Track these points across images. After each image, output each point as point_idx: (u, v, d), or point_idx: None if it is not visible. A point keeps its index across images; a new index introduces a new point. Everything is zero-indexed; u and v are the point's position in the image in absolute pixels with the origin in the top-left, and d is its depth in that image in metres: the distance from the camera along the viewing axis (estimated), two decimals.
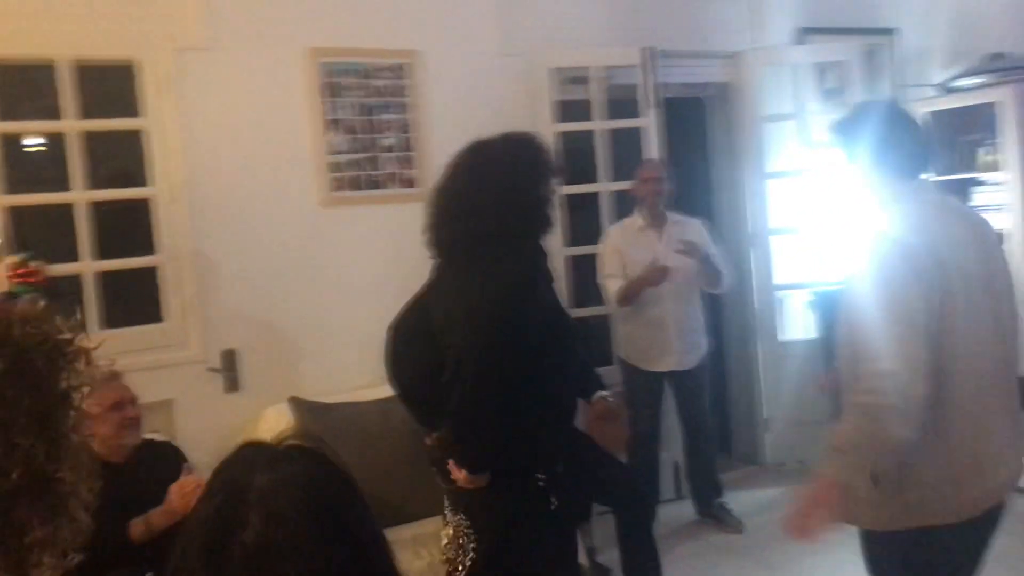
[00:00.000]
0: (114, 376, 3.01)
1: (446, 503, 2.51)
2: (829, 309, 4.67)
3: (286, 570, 0.79)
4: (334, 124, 4.09)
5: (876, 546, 2.21)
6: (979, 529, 2.11)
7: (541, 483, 2.28)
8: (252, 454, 0.90)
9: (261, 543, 0.82)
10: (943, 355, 2.02)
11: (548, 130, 4.55)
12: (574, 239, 4.66)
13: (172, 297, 3.81)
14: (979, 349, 2.10)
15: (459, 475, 2.33)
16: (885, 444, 1.99)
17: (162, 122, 3.77)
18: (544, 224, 2.44)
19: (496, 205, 2.33)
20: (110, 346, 3.69)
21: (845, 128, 2.29)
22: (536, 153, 2.47)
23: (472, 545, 2.34)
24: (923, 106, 5.38)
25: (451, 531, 2.42)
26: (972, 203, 5.02)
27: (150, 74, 3.74)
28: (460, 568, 2.37)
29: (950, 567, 2.16)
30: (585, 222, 4.70)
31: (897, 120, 2.28)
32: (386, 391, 4.01)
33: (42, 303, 1.15)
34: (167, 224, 3.79)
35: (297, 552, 0.80)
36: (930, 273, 2.03)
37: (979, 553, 2.18)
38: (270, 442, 0.90)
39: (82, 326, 1.15)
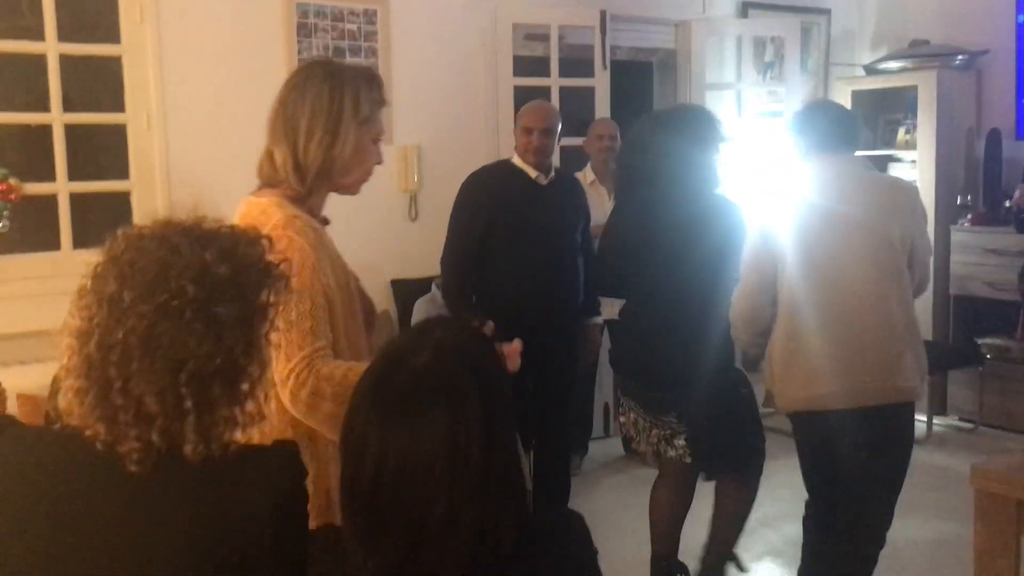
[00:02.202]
0: None
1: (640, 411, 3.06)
2: None
3: (438, 390, 1.11)
4: None
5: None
6: (840, 423, 2.64)
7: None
8: (442, 320, 1.18)
9: (426, 367, 1.14)
10: (805, 287, 2.67)
11: (506, 83, 4.78)
12: None
13: (143, 222, 3.93)
14: (845, 282, 2.67)
15: None
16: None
17: (139, 50, 3.86)
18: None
19: (682, 168, 2.95)
20: (82, 266, 3.79)
21: (793, 119, 2.99)
22: (711, 122, 3.06)
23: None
24: (850, 85, 5.78)
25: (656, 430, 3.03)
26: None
27: (130, 4, 3.82)
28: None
29: (821, 449, 2.76)
30: None
31: (824, 111, 2.95)
32: None
33: (256, 232, 1.38)
34: (141, 151, 3.90)
35: (450, 379, 1.12)
36: (800, 226, 2.71)
37: (846, 444, 2.69)
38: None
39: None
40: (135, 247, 1.30)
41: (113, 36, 3.84)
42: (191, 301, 1.24)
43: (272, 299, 1.32)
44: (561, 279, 3.70)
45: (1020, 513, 2.11)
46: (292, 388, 1.67)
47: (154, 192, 3.92)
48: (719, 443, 2.95)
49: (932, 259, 2.87)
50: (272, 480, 1.24)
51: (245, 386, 1.28)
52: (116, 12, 3.81)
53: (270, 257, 1.34)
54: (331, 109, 1.81)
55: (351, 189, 1.96)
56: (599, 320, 4.12)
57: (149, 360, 1.23)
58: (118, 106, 3.88)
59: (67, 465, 1.26)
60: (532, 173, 3.66)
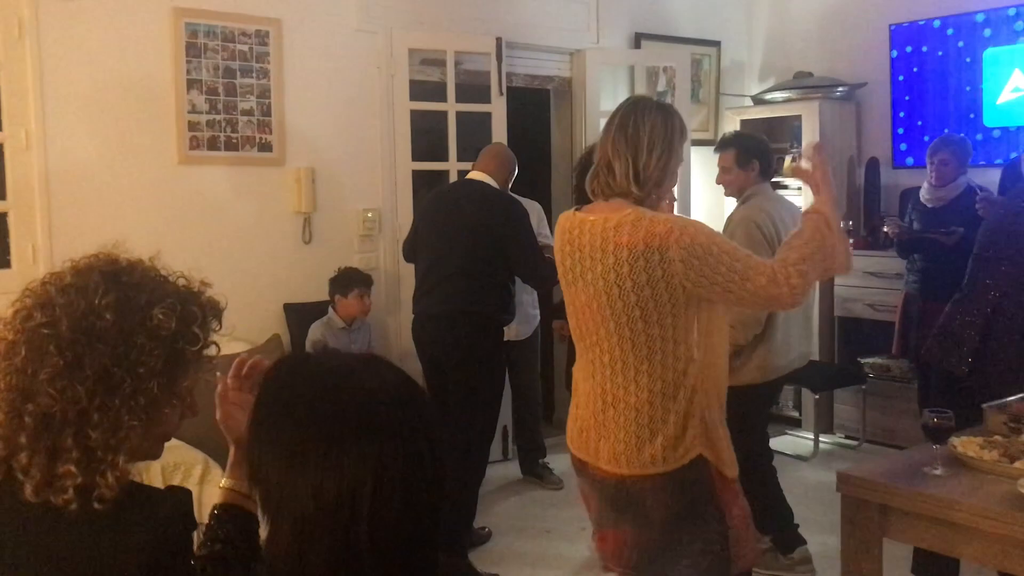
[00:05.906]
0: None
1: None
2: None
3: (398, 417, 1.06)
4: (195, 84, 4.16)
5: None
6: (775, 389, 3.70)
7: None
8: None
9: (380, 390, 1.08)
10: None
11: (402, 107, 4.79)
12: None
13: (21, 244, 3.80)
14: None
15: None
16: None
17: (18, 66, 3.74)
18: None
19: None
20: None
21: (753, 143, 3.74)
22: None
23: None
24: (739, 114, 5.98)
25: None
26: None
27: (7, 18, 3.71)
28: None
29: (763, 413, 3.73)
30: None
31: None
32: (236, 349, 4.17)
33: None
34: (19, 171, 3.78)
35: (408, 407, 1.08)
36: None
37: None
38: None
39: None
40: (67, 270, 1.28)
41: None
42: (59, 337, 1.19)
43: (158, 369, 1.23)
44: None
45: (883, 517, 2.19)
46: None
47: (33, 214, 3.79)
48: None
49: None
50: (155, 533, 1.19)
51: (99, 452, 1.20)
52: None
53: (197, 331, 1.27)
54: (665, 134, 2.20)
55: (664, 200, 2.34)
56: None
57: (8, 377, 1.20)
58: None
59: None
60: None
